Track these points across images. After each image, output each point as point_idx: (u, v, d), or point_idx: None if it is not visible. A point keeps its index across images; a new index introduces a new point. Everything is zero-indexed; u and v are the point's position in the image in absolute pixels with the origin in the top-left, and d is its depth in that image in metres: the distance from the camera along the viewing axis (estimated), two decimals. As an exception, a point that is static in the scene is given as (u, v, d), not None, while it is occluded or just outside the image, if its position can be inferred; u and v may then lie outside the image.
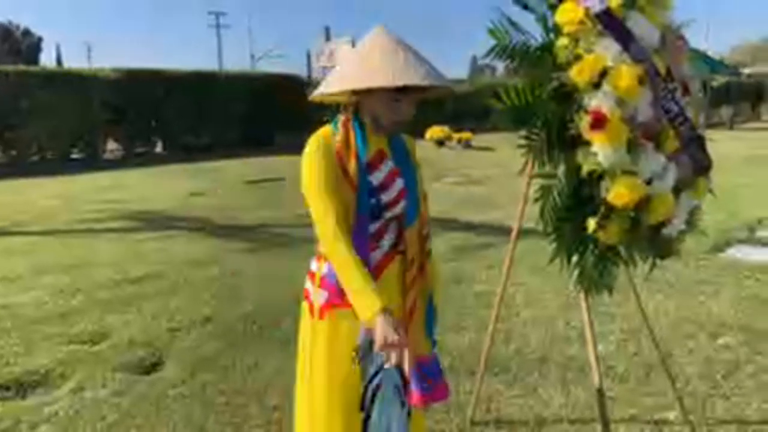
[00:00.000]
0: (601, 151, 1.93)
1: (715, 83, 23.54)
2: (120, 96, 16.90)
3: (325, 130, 1.81)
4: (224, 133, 20.06)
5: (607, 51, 1.92)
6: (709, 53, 22.62)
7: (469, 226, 7.27)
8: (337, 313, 1.81)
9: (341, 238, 1.66)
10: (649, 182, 1.98)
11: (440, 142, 18.35)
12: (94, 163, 16.09)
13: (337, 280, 1.72)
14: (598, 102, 1.92)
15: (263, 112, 20.02)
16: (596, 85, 1.90)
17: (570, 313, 4.21)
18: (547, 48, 2.09)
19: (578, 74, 1.91)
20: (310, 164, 1.76)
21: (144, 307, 4.65)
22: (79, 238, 7.12)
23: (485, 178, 11.74)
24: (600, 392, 2.46)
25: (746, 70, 26.52)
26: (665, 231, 2.12)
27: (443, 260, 5.79)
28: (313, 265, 1.92)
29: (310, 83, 23.04)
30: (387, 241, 1.83)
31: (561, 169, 2.19)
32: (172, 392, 3.31)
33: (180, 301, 4.80)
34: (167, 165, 15.12)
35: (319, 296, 1.85)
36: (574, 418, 2.94)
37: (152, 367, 3.63)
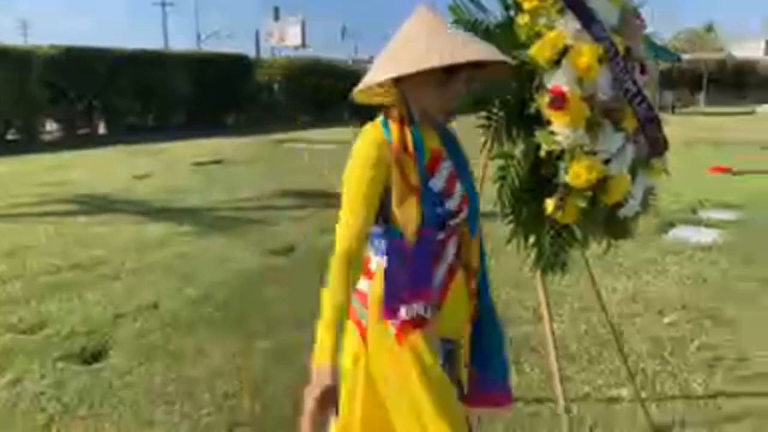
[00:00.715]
0: (560, 130, 1.91)
1: (660, 68, 24.15)
2: (59, 74, 16.14)
3: (377, 129, 1.61)
4: (170, 114, 19.53)
5: (567, 28, 1.89)
6: (654, 39, 23.14)
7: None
8: (418, 335, 1.61)
9: (351, 263, 1.52)
10: (606, 162, 1.97)
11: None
12: (31, 144, 15.37)
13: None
14: (557, 80, 1.89)
15: (210, 93, 19.54)
16: (556, 63, 1.87)
17: (523, 293, 4.24)
18: (507, 25, 2.06)
19: (538, 52, 1.87)
20: (362, 162, 1.56)
21: (86, 294, 4.46)
22: (15, 223, 6.79)
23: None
24: (556, 372, 2.47)
25: (686, 57, 27.34)
26: (621, 212, 2.13)
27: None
28: (364, 285, 1.66)
29: (259, 63, 22.65)
30: (450, 252, 1.67)
31: (519, 150, 2.17)
32: (118, 382, 3.18)
33: (124, 287, 4.62)
34: (110, 146, 14.58)
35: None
36: (529, 398, 2.96)
37: (96, 356, 3.48)
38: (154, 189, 8.90)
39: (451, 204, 1.63)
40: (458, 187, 1.65)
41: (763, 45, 34.18)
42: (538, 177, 2.11)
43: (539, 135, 1.95)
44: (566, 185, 1.98)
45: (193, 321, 3.96)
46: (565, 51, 1.86)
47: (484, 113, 2.13)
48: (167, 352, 3.50)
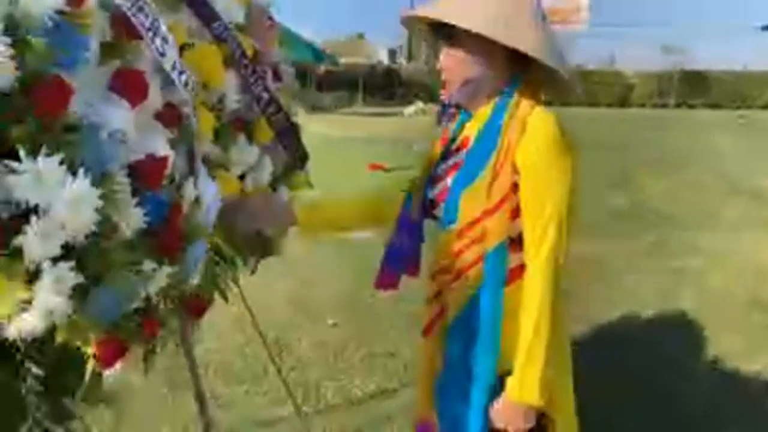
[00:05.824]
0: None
1: (319, 71, 25.65)
2: None
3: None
4: None
5: (184, 25, 1.60)
6: (307, 41, 24.23)
7: None
8: None
9: None
10: (242, 177, 1.76)
11: None
12: None
13: None
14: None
15: None
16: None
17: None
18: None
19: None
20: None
21: None
22: None
23: None
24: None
25: (343, 61, 29.74)
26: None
27: None
28: None
29: None
30: None
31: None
32: None
33: None
34: None
35: None
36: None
37: None
38: None
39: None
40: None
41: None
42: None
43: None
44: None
45: None
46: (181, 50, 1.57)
47: None
48: None
